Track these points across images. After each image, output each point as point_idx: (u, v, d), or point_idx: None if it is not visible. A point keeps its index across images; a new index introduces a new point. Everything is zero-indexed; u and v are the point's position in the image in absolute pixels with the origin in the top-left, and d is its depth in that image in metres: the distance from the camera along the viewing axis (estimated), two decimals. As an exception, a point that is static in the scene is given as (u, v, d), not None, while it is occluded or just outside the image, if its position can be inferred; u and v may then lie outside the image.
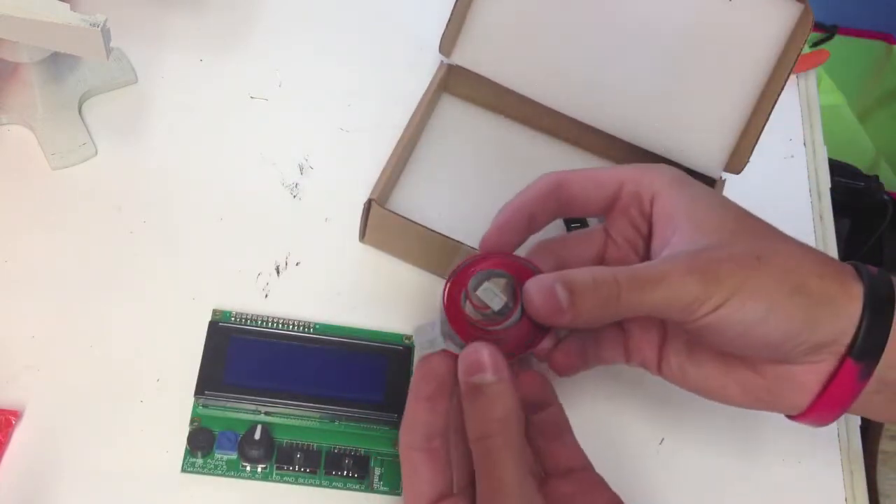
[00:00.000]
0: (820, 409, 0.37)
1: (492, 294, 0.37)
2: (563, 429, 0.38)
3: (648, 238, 0.39)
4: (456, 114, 0.56)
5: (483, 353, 0.35)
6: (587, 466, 0.37)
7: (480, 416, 0.34)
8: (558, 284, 0.34)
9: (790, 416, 0.38)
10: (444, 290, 0.37)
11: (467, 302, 0.37)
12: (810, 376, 0.36)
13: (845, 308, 0.35)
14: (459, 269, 0.37)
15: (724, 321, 0.34)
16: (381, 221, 0.48)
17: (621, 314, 0.35)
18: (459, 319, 0.36)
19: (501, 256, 0.38)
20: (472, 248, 0.46)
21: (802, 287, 0.34)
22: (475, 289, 0.37)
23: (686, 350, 0.39)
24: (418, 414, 0.36)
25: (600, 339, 0.41)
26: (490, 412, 0.34)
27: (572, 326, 0.37)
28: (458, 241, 0.47)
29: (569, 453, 0.38)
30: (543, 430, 0.38)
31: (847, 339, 0.35)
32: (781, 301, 0.34)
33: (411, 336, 0.47)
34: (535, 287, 0.35)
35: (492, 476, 0.33)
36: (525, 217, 0.39)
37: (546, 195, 0.40)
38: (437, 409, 0.36)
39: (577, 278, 0.35)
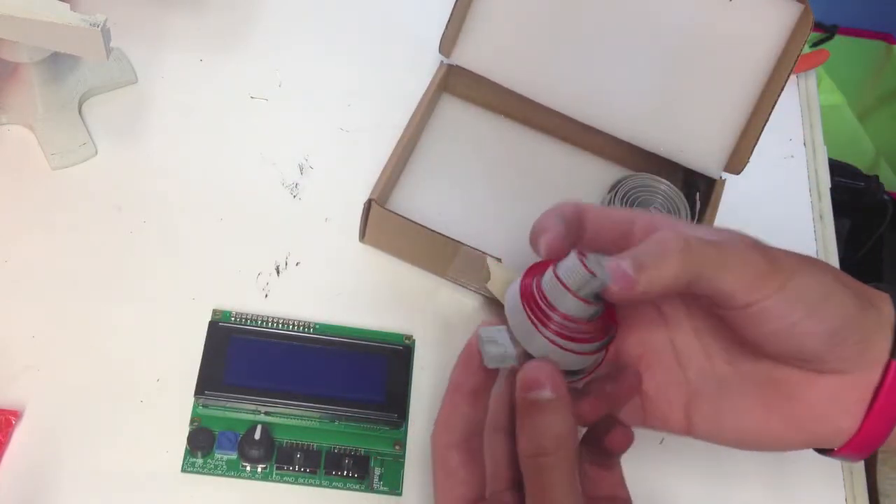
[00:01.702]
0: (868, 430, 0.35)
1: (583, 268, 0.34)
2: (614, 461, 0.37)
3: None
4: (456, 114, 0.56)
5: (543, 370, 0.33)
6: (628, 500, 0.36)
7: (536, 432, 0.33)
8: (625, 259, 0.33)
9: (836, 451, 0.37)
10: (521, 283, 0.35)
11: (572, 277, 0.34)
12: (855, 393, 0.35)
13: (884, 310, 0.35)
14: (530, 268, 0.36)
15: (784, 305, 0.33)
16: (381, 221, 0.48)
17: (688, 278, 0.33)
18: (536, 308, 0.34)
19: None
20: (472, 248, 0.46)
21: (850, 284, 0.35)
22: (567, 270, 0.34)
23: (717, 398, 0.37)
24: (459, 408, 0.35)
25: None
26: (546, 429, 0.33)
27: (644, 298, 0.34)
28: (458, 241, 0.47)
29: (614, 482, 0.37)
30: (593, 455, 0.37)
31: (888, 344, 0.34)
32: (836, 290, 0.34)
33: (411, 336, 0.47)
34: (611, 262, 0.34)
35: (543, 495, 0.32)
36: (574, 222, 0.37)
37: (567, 223, 0.38)
38: (479, 406, 0.35)
39: (641, 249, 0.34)
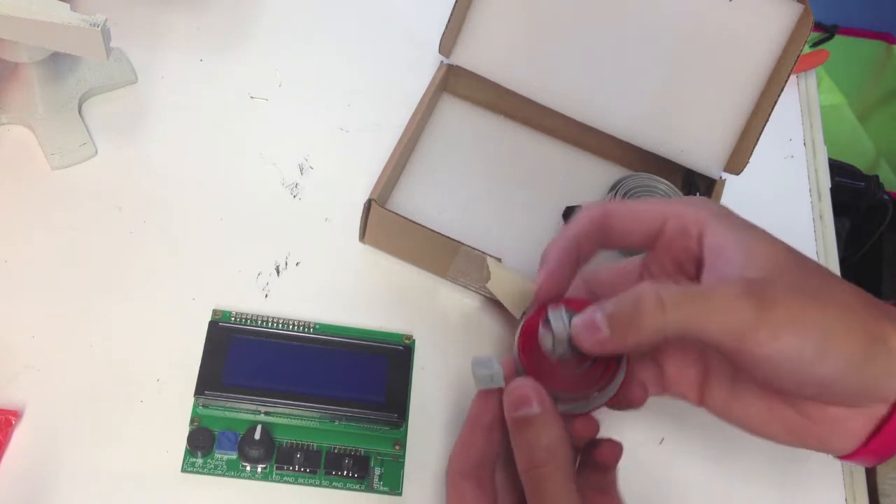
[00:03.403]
0: (866, 455, 0.35)
1: (560, 322, 0.36)
2: (610, 484, 0.38)
3: (692, 274, 0.38)
4: (456, 114, 0.56)
5: (527, 388, 0.34)
6: None
7: (528, 446, 0.34)
8: (598, 313, 0.34)
9: (839, 457, 0.37)
10: (518, 332, 0.37)
11: (544, 339, 0.36)
12: (859, 421, 0.34)
13: (895, 346, 0.33)
14: (530, 311, 0.38)
15: (778, 355, 0.32)
16: (381, 221, 0.48)
17: (668, 334, 0.33)
18: (532, 358, 0.36)
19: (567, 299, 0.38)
20: (472, 248, 0.46)
21: (858, 325, 0.33)
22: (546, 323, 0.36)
23: (729, 385, 0.38)
24: (475, 441, 0.36)
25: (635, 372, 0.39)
26: (537, 441, 0.34)
27: (621, 352, 0.36)
28: (458, 241, 0.47)
29: None
30: (591, 480, 0.37)
31: None
32: (839, 337, 0.32)
33: (411, 336, 0.47)
34: (579, 319, 0.35)
35: (542, 501, 0.33)
36: (573, 256, 0.38)
37: (591, 230, 0.38)
38: (493, 440, 0.36)
39: (615, 307, 0.34)
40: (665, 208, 0.38)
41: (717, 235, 0.36)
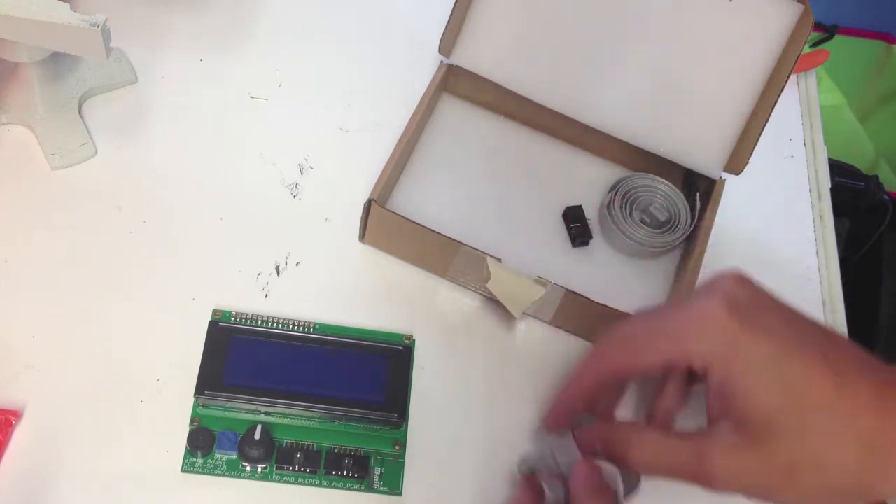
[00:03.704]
0: None
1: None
2: None
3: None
4: (456, 114, 0.56)
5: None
6: None
7: None
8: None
9: None
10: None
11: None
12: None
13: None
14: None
15: (764, 478, 0.35)
16: (381, 221, 0.48)
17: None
18: None
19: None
20: (472, 248, 0.46)
21: (862, 426, 0.34)
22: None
23: None
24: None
25: None
26: None
27: None
28: (458, 241, 0.47)
29: None
30: None
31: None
32: (832, 451, 0.34)
33: (411, 336, 0.47)
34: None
35: None
36: (579, 405, 0.42)
37: (600, 387, 0.41)
38: None
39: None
40: (666, 351, 0.38)
41: (720, 380, 0.36)
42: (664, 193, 0.53)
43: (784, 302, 0.37)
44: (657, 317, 0.39)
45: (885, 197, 0.97)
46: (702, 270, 0.49)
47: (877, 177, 0.98)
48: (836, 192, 0.59)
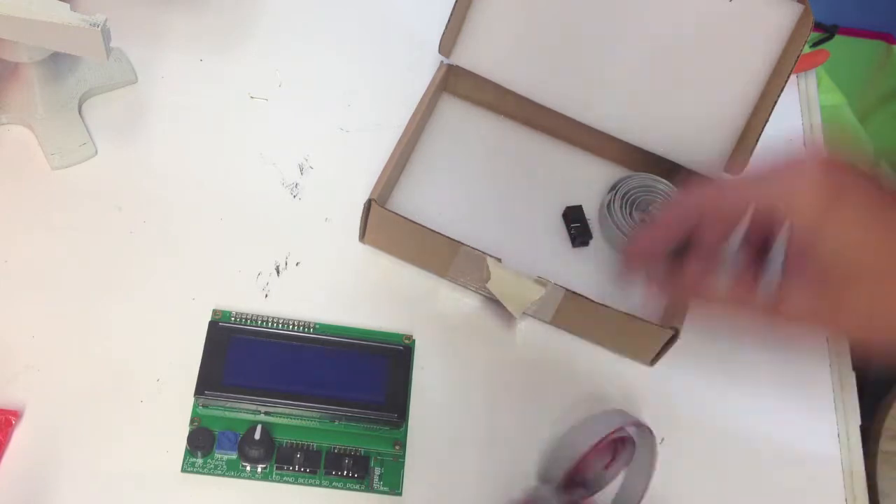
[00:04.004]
0: None
1: None
2: None
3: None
4: (456, 114, 0.56)
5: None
6: None
7: None
8: None
9: None
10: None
11: None
12: None
13: None
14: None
15: None
16: (381, 221, 0.48)
17: None
18: None
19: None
20: (472, 248, 0.46)
21: None
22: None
23: None
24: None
25: None
26: None
27: None
28: (458, 241, 0.47)
29: None
30: None
31: None
32: None
33: (411, 336, 0.47)
34: None
35: None
36: (659, 245, 0.41)
37: (684, 227, 0.41)
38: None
39: None
40: (750, 193, 0.38)
41: (804, 238, 0.37)
42: (664, 193, 0.53)
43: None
44: (750, 170, 0.42)
45: (885, 197, 0.96)
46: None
47: (877, 177, 0.97)
48: (836, 192, 0.59)
